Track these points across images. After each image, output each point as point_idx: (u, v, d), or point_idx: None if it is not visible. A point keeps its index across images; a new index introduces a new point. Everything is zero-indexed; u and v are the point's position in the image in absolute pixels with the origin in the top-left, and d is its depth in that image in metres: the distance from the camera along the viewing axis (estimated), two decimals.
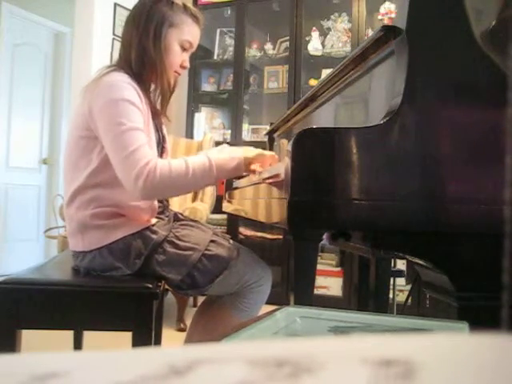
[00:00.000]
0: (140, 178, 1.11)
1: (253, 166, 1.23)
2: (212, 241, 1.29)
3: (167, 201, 1.44)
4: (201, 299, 1.53)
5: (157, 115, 1.35)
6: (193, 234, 1.30)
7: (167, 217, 1.37)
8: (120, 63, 1.30)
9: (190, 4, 1.36)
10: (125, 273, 1.21)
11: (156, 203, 1.31)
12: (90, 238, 1.22)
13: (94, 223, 1.21)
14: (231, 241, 1.36)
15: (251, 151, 1.26)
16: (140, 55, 1.27)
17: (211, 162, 1.18)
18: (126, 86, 1.20)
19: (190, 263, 1.24)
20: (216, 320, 1.36)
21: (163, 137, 1.42)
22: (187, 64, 1.36)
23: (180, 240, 1.27)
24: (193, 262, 1.24)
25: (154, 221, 1.29)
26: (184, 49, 1.33)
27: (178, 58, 1.33)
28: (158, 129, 1.38)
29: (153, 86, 1.36)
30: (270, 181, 1.12)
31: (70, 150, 1.26)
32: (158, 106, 1.37)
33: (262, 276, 1.35)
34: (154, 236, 1.24)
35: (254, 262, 1.37)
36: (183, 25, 1.31)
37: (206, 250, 1.26)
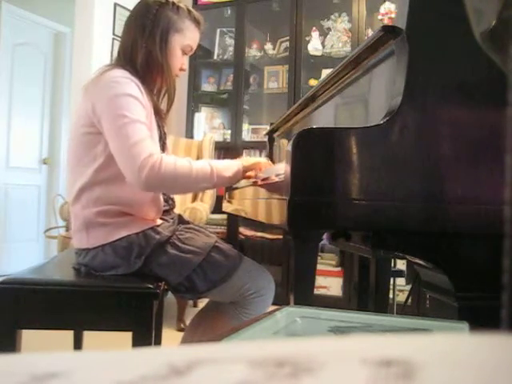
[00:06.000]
0: (145, 168, 1.12)
1: (249, 173, 1.27)
2: (215, 247, 1.29)
3: (173, 201, 1.45)
4: (201, 300, 1.53)
5: (159, 113, 1.36)
6: (196, 238, 1.30)
7: (172, 219, 1.37)
8: (120, 62, 1.31)
9: (191, 7, 1.38)
10: (125, 271, 1.21)
11: (162, 202, 1.31)
12: (94, 235, 1.23)
13: (99, 221, 1.22)
14: (234, 250, 1.36)
15: (249, 159, 1.31)
16: (146, 58, 1.30)
17: (213, 167, 1.21)
18: (127, 81, 1.21)
19: (191, 267, 1.24)
20: (215, 328, 1.35)
21: (164, 134, 1.43)
22: (185, 67, 1.40)
23: (183, 243, 1.27)
24: (193, 265, 1.24)
25: (158, 222, 1.29)
26: (184, 53, 1.36)
27: (179, 62, 1.36)
28: (160, 126, 1.39)
29: (156, 87, 1.38)
30: (262, 183, 1.13)
31: (74, 146, 1.27)
32: (162, 107, 1.38)
33: (263, 286, 1.33)
34: (157, 236, 1.24)
35: (257, 271, 1.36)
36: (186, 30, 1.34)
37: (208, 255, 1.26)
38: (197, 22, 1.36)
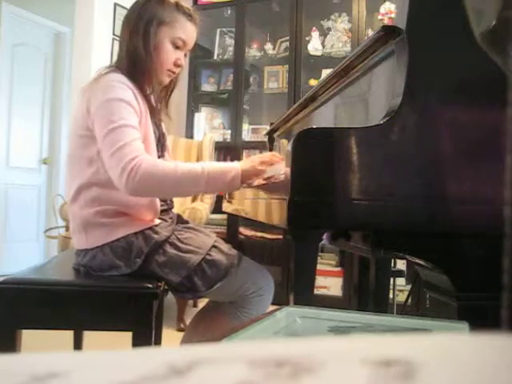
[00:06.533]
0: (124, 172, 1.11)
1: (256, 181, 1.20)
2: (214, 246, 1.29)
3: (171, 201, 1.44)
4: (201, 300, 1.53)
5: (155, 113, 1.35)
6: (195, 238, 1.30)
7: (171, 218, 1.37)
8: (117, 64, 1.32)
9: (185, 3, 1.34)
10: (125, 272, 1.21)
11: (158, 204, 1.31)
12: (92, 235, 1.23)
13: (98, 221, 1.22)
14: (233, 250, 1.35)
15: (250, 162, 1.20)
16: (131, 54, 1.28)
17: (204, 170, 1.14)
18: (120, 86, 1.20)
19: (190, 266, 1.24)
20: (214, 328, 1.35)
21: (163, 134, 1.42)
22: (182, 62, 1.34)
23: (182, 242, 1.27)
24: (192, 264, 1.24)
25: (157, 221, 1.29)
26: (177, 47, 1.32)
27: (169, 56, 1.31)
28: (158, 126, 1.38)
29: (149, 85, 1.36)
30: (257, 184, 1.12)
31: (73, 147, 1.28)
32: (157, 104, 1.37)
33: (262, 286, 1.33)
34: (155, 236, 1.24)
35: (256, 271, 1.36)
36: (175, 22, 1.30)
37: (207, 254, 1.26)
38: (187, 15, 1.32)
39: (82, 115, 1.22)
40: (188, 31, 1.33)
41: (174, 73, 1.35)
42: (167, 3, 1.29)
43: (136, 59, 1.28)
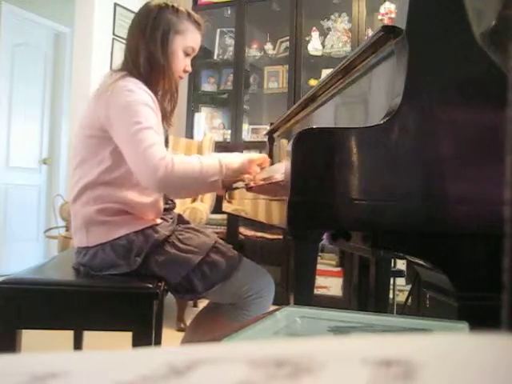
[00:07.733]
0: (159, 169, 1.13)
1: (254, 168, 1.28)
2: (214, 247, 1.30)
3: (172, 200, 1.45)
4: (201, 300, 1.53)
5: (166, 117, 1.38)
6: (195, 238, 1.31)
7: (171, 218, 1.38)
8: (128, 68, 1.32)
9: (191, 10, 1.42)
10: (124, 271, 1.22)
11: (162, 204, 1.32)
12: (93, 233, 1.23)
13: (99, 219, 1.23)
14: (234, 251, 1.36)
15: (249, 155, 1.33)
16: (148, 61, 1.31)
17: (221, 162, 1.22)
18: (141, 92, 1.23)
19: (189, 266, 1.24)
20: (214, 330, 1.36)
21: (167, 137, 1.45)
22: (189, 68, 1.41)
23: (182, 242, 1.28)
24: (192, 265, 1.24)
25: (158, 221, 1.30)
26: (187, 54, 1.38)
27: (182, 64, 1.37)
28: (167, 130, 1.42)
29: (160, 90, 1.38)
30: (254, 185, 1.14)
31: (81, 148, 1.28)
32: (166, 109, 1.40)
33: (262, 287, 1.33)
34: (155, 235, 1.25)
35: (256, 272, 1.36)
36: (187, 32, 1.35)
37: (207, 255, 1.27)
38: (197, 24, 1.38)
39: (97, 117, 1.23)
40: (196, 39, 1.39)
41: (182, 78, 1.41)
42: (181, 13, 1.35)
43: (154, 66, 1.31)
